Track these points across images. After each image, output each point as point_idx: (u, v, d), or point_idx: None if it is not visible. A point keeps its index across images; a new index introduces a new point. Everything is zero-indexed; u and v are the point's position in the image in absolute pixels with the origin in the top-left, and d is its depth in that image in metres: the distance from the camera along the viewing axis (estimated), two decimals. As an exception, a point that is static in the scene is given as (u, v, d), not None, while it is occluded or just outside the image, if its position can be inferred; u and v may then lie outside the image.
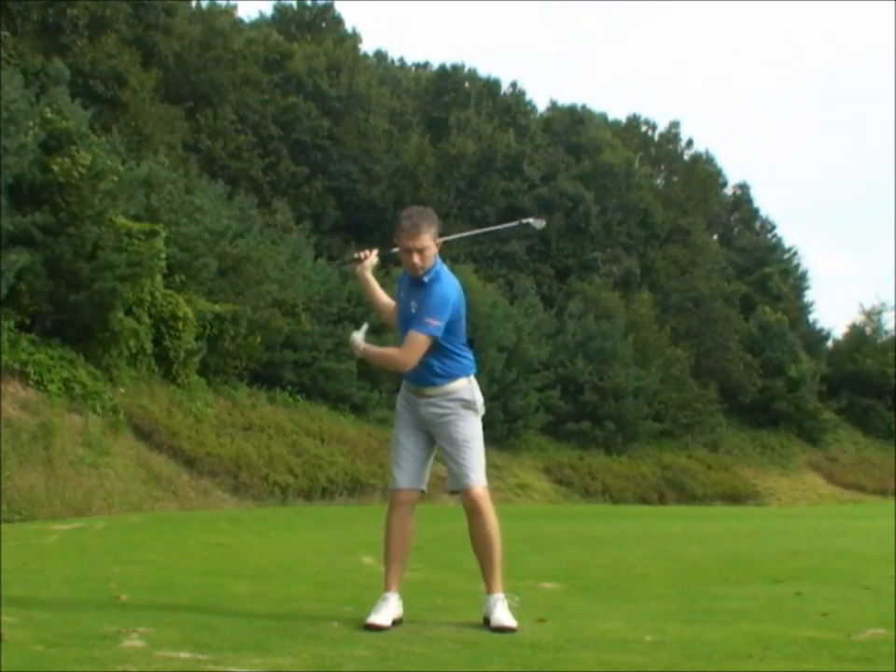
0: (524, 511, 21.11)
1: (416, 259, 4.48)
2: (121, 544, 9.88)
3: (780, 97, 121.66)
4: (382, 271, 30.48)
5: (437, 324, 4.45)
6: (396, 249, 4.69)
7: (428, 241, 4.49)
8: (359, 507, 22.04)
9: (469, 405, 4.59)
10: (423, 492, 4.66)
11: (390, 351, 4.69)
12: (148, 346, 21.74)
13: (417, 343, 4.45)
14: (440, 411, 4.56)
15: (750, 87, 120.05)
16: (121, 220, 20.95)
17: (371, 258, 4.83)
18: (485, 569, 4.51)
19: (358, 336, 4.62)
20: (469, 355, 4.71)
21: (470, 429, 4.56)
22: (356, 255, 4.88)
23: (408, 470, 4.58)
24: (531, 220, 5.07)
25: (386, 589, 4.47)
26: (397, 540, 4.55)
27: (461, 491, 4.50)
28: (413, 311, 4.52)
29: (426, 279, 4.53)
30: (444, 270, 4.62)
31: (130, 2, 29.88)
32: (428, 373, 4.57)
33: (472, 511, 4.48)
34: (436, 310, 4.46)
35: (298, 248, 29.72)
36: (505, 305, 32.85)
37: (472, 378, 4.68)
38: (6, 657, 3.35)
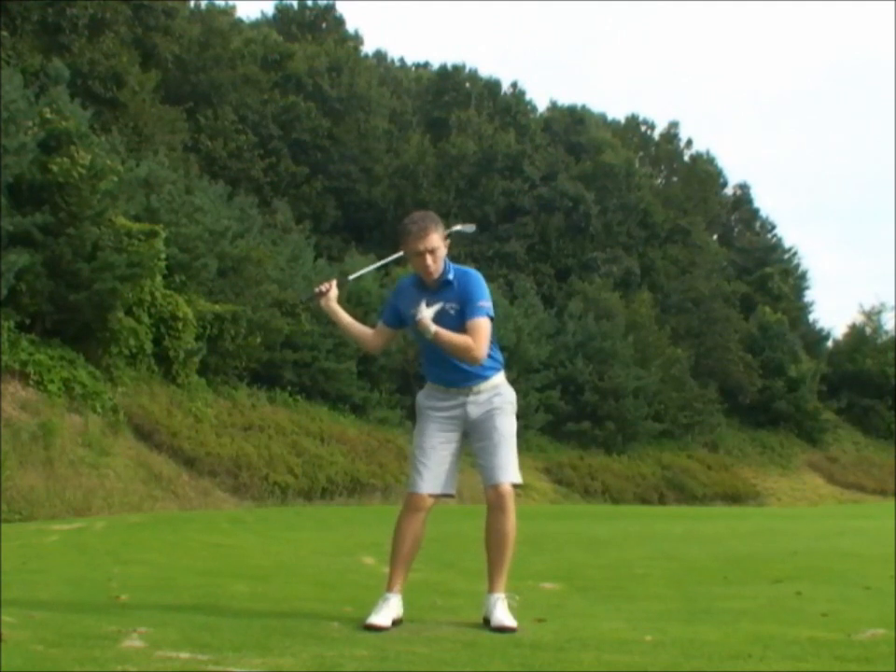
0: (524, 511, 21.02)
1: (429, 260, 4.43)
2: (121, 544, 9.87)
3: (780, 97, 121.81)
4: (382, 271, 30.68)
5: (489, 305, 4.45)
6: (357, 275, 4.64)
7: (438, 241, 4.45)
8: (359, 507, 22.04)
9: (511, 402, 4.60)
10: (453, 496, 4.60)
11: (468, 340, 4.39)
12: (148, 346, 21.75)
13: (484, 328, 4.41)
14: (486, 406, 4.51)
15: (750, 87, 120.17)
16: (121, 221, 20.95)
17: (332, 289, 4.68)
18: (494, 567, 4.47)
19: (428, 314, 4.40)
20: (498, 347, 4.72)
21: (511, 425, 4.55)
22: (316, 290, 4.73)
23: (434, 475, 4.49)
24: (459, 227, 5.01)
25: (388, 589, 4.45)
26: (406, 544, 4.50)
27: (492, 486, 4.44)
28: (454, 312, 4.45)
29: (450, 277, 4.50)
30: (460, 266, 4.63)
31: (130, 3, 29.90)
32: (475, 369, 4.51)
33: (498, 507, 4.43)
34: (483, 291, 4.46)
35: (298, 248, 29.74)
36: (505, 305, 32.83)
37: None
38: (6, 657, 3.35)
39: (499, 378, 4.61)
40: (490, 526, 4.47)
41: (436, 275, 4.48)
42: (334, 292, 4.68)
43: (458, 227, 4.98)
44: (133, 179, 22.65)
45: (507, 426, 4.52)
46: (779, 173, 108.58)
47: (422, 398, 4.66)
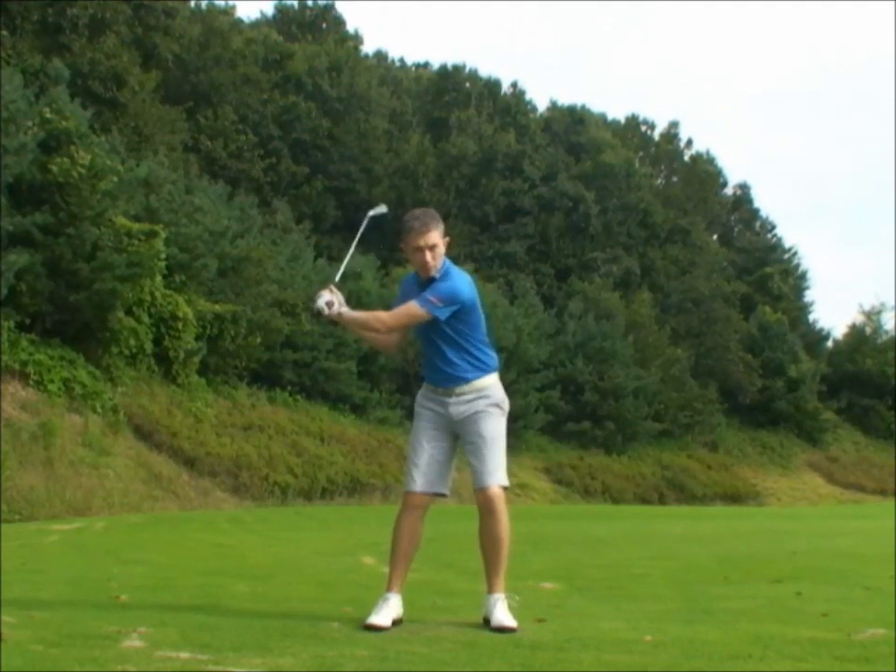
0: (524, 511, 21.08)
1: (428, 256, 4.45)
2: (121, 544, 9.88)
3: (780, 97, 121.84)
4: (382, 270, 30.46)
5: (438, 304, 4.41)
6: (340, 273, 4.66)
7: (438, 238, 4.48)
8: (359, 507, 22.04)
9: (498, 404, 4.58)
10: (445, 496, 4.61)
11: (372, 314, 4.66)
12: (148, 346, 21.76)
13: (409, 310, 4.45)
14: (471, 408, 4.51)
15: (750, 87, 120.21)
16: (121, 221, 20.95)
17: (336, 296, 4.54)
18: (490, 569, 4.48)
19: (322, 303, 4.42)
20: (492, 352, 4.69)
21: (498, 428, 4.54)
22: (322, 304, 4.52)
23: (427, 474, 4.51)
24: (371, 211, 4.90)
25: (388, 589, 4.45)
26: (405, 543, 4.52)
27: (479, 489, 4.45)
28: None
29: (436, 275, 4.51)
30: (455, 267, 4.62)
31: (130, 3, 29.89)
32: (456, 371, 4.53)
33: (487, 510, 4.44)
34: (440, 292, 4.43)
35: (298, 248, 29.74)
36: (505, 305, 32.85)
37: (497, 376, 4.67)
38: (6, 657, 3.35)
39: (486, 381, 4.58)
40: (482, 530, 4.48)
41: (433, 272, 4.49)
42: (339, 297, 4.59)
43: (372, 212, 4.87)
44: (133, 179, 22.64)
45: (491, 429, 4.50)
46: (779, 173, 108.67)
47: (419, 397, 4.70)
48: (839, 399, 47.42)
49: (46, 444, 17.48)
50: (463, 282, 4.54)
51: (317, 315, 4.54)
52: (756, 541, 11.14)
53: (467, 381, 4.54)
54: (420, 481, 4.51)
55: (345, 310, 4.50)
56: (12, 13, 26.34)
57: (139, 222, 21.82)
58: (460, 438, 4.57)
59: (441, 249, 4.51)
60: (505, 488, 4.50)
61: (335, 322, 4.60)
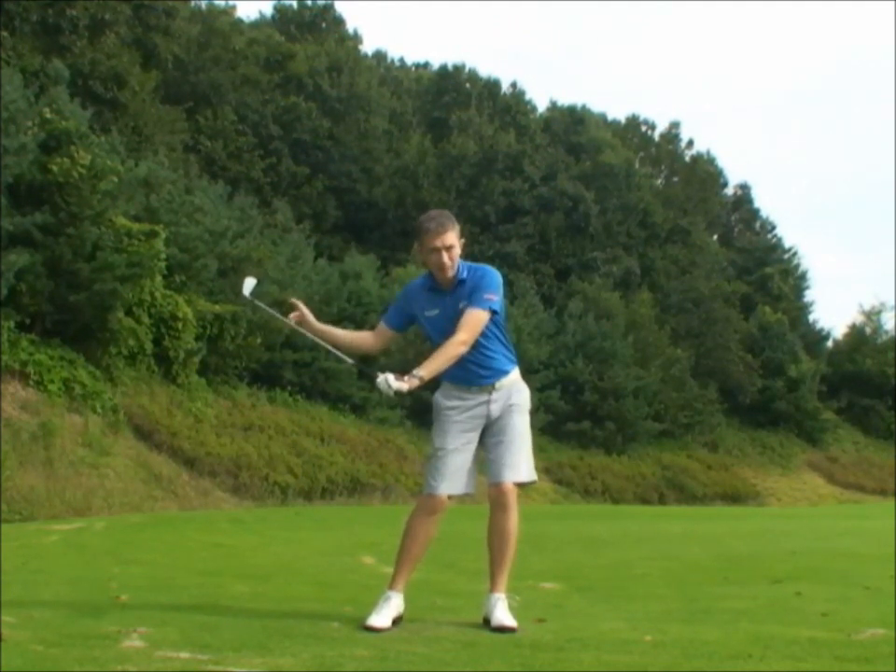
0: (524, 511, 20.94)
1: (445, 257, 4.41)
2: (121, 544, 9.88)
3: (781, 97, 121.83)
4: (382, 270, 30.28)
5: (494, 298, 4.41)
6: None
7: (454, 238, 4.44)
8: (359, 507, 22.03)
9: (527, 398, 4.59)
10: (472, 494, 4.57)
11: (449, 347, 4.29)
12: (148, 346, 21.75)
13: (477, 319, 4.36)
14: (507, 403, 4.48)
15: (751, 87, 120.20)
16: (121, 221, 20.95)
17: (302, 312, 4.43)
18: (496, 567, 4.44)
19: (395, 385, 4.15)
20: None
21: (526, 423, 4.54)
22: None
23: (454, 479, 4.43)
24: (245, 290, 4.86)
25: (391, 587, 4.42)
26: (418, 544, 4.47)
27: (495, 483, 4.40)
28: (464, 306, 4.41)
29: (464, 276, 4.46)
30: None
31: (130, 3, 29.91)
32: (497, 364, 4.51)
33: (499, 505, 4.40)
34: (490, 286, 4.42)
35: (298, 248, 29.74)
36: (505, 305, 32.84)
37: None
38: (6, 657, 3.35)
39: (517, 373, 4.60)
40: (492, 525, 4.45)
41: (451, 273, 4.45)
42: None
43: (246, 290, 4.82)
44: (133, 179, 22.64)
45: (522, 424, 4.50)
46: (779, 173, 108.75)
47: (441, 398, 4.57)
48: (839, 399, 47.43)
49: (46, 444, 17.47)
50: (495, 272, 4.54)
51: (399, 395, 4.31)
52: (756, 541, 11.13)
53: (506, 373, 4.53)
54: (445, 485, 4.44)
55: (418, 372, 4.24)
56: (12, 13, 26.34)
57: (139, 222, 21.81)
58: (486, 430, 4.51)
59: (458, 250, 4.46)
60: (532, 483, 4.49)
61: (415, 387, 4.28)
